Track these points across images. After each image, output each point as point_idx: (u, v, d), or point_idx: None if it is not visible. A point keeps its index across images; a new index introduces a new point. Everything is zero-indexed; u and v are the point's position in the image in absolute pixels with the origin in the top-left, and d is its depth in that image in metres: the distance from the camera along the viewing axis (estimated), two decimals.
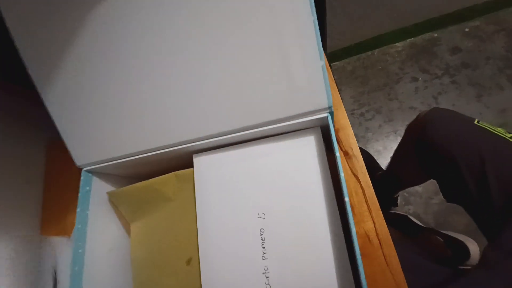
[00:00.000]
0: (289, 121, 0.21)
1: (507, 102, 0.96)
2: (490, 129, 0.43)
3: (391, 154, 0.80)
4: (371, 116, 1.07)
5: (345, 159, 0.34)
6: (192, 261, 0.23)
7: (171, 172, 0.26)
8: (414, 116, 0.54)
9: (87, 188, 0.28)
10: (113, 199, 0.29)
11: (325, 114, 0.20)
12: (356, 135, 1.07)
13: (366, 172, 0.33)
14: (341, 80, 1.15)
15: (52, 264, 0.33)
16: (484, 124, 0.44)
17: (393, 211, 0.92)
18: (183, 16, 0.21)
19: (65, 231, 0.41)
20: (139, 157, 0.26)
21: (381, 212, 0.31)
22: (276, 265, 0.21)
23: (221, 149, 0.25)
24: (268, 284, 0.20)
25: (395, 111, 1.06)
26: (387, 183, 0.80)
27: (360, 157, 0.34)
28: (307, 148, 0.22)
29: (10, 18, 0.24)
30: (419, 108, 1.03)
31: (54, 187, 0.46)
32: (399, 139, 1.00)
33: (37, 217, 0.46)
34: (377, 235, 0.31)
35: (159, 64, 0.23)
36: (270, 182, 0.22)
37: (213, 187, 0.24)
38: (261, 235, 0.22)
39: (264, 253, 0.21)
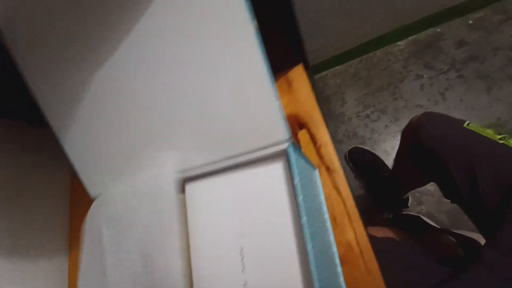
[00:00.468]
0: (256, 152, 0.25)
1: None
2: (479, 132, 0.44)
3: None
4: (376, 117, 1.07)
5: (326, 174, 0.37)
6: None
7: None
8: None
9: None
10: None
11: (285, 145, 0.24)
12: (362, 137, 1.07)
13: (347, 185, 0.36)
14: (344, 83, 1.16)
15: None
16: (473, 127, 0.45)
17: (405, 212, 0.91)
18: (167, 68, 0.25)
19: None
20: None
21: (361, 222, 0.34)
22: (253, 278, 0.24)
23: (208, 176, 0.29)
24: None
25: (401, 110, 1.05)
26: (392, 186, 0.80)
27: (341, 171, 0.36)
28: (276, 173, 0.26)
29: (24, 65, 0.30)
30: (425, 105, 1.02)
31: (80, 216, 0.52)
32: None
33: (66, 236, 0.52)
34: (358, 244, 0.33)
35: (155, 106, 0.27)
36: (246, 206, 0.26)
37: (200, 209, 0.28)
38: (241, 251, 0.25)
39: (243, 269, 0.25)
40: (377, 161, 0.97)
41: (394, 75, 1.09)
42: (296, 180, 0.23)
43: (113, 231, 0.29)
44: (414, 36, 1.09)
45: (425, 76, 1.04)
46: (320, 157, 0.37)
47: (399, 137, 1.06)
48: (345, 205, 0.35)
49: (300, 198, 0.22)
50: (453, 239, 0.74)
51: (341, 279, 0.31)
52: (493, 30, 0.99)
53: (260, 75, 0.22)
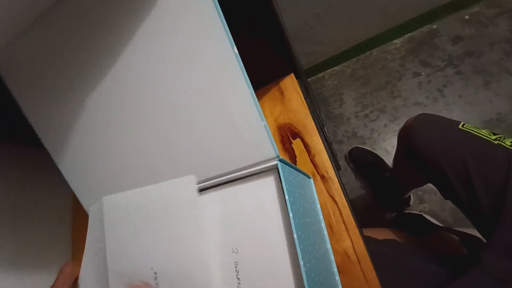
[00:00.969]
0: (245, 170, 0.25)
1: None
2: (474, 132, 0.44)
3: None
4: (375, 117, 1.07)
5: (322, 182, 0.37)
6: None
7: None
8: (420, 112, 0.53)
9: None
10: None
11: (275, 162, 0.24)
12: (362, 137, 1.07)
13: (342, 193, 0.36)
14: (341, 84, 1.16)
15: None
16: (468, 128, 0.45)
17: (407, 211, 0.91)
18: (151, 93, 0.26)
19: None
20: None
21: (357, 230, 0.34)
22: None
23: (203, 192, 0.30)
24: None
25: (400, 108, 1.05)
26: (392, 186, 0.80)
27: (336, 179, 0.37)
28: (267, 188, 0.26)
29: (19, 94, 0.31)
30: (424, 103, 1.01)
31: (82, 231, 0.53)
32: None
33: (69, 252, 0.53)
34: (355, 252, 0.33)
35: (142, 132, 0.28)
36: (239, 221, 0.26)
37: None
38: (235, 267, 0.26)
39: (239, 284, 0.25)
40: (377, 161, 0.97)
41: (391, 73, 1.09)
42: (287, 197, 0.23)
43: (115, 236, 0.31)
44: (410, 33, 1.09)
45: (422, 73, 1.04)
46: (315, 165, 0.38)
47: (397, 136, 1.07)
48: (341, 213, 0.35)
49: (291, 216, 0.23)
50: (456, 238, 0.74)
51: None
52: (489, 24, 0.99)
53: (244, 99, 0.23)
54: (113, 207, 0.31)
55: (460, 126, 0.45)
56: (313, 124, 0.40)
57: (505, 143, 0.41)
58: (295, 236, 0.22)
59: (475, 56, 0.98)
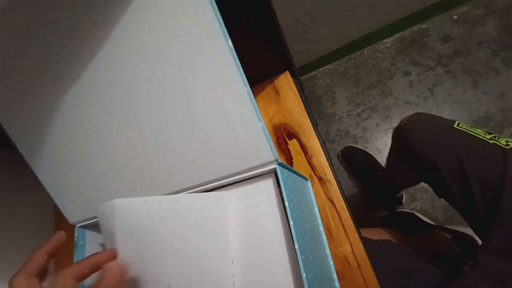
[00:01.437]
0: (243, 173, 0.23)
1: (505, 85, 0.93)
2: (470, 132, 0.43)
3: None
4: (367, 116, 1.07)
5: (319, 185, 0.36)
6: None
7: None
8: (411, 111, 0.53)
9: (81, 242, 0.31)
10: None
11: (274, 166, 0.23)
12: (354, 136, 1.07)
13: (341, 196, 0.35)
14: (333, 83, 1.16)
15: None
16: (463, 127, 0.45)
17: (399, 210, 0.92)
18: (148, 99, 0.24)
19: None
20: None
21: (357, 234, 0.33)
22: None
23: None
24: None
25: (391, 107, 1.05)
26: (385, 185, 0.80)
27: (334, 182, 0.35)
28: (265, 192, 0.24)
29: None
30: (415, 102, 1.02)
31: (64, 231, 0.50)
32: None
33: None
34: (355, 257, 0.32)
35: (136, 135, 0.26)
36: (235, 228, 0.25)
37: None
38: (232, 277, 0.24)
39: None
40: (370, 160, 0.97)
41: (382, 72, 1.09)
42: (287, 204, 0.21)
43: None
44: (400, 33, 1.10)
45: (413, 72, 1.05)
46: (312, 167, 0.36)
47: (390, 135, 1.07)
48: (340, 217, 0.34)
49: (292, 224, 0.21)
50: (448, 236, 0.75)
51: None
52: (477, 23, 1.00)
53: (241, 98, 0.21)
54: (130, 213, 0.25)
55: (455, 126, 0.45)
56: (310, 123, 0.38)
57: (500, 143, 0.41)
58: (296, 246, 0.20)
59: (463, 56, 1.00)
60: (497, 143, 0.41)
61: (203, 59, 0.21)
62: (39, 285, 0.20)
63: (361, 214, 0.98)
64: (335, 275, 0.31)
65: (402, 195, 0.90)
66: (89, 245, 0.31)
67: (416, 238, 0.70)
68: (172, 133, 0.24)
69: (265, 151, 0.22)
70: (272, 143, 0.22)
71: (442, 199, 0.51)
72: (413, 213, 0.87)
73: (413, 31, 1.08)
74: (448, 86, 0.99)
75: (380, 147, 1.03)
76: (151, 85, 0.23)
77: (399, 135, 0.51)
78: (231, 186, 0.26)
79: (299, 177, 0.32)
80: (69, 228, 0.31)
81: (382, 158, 1.00)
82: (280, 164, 0.23)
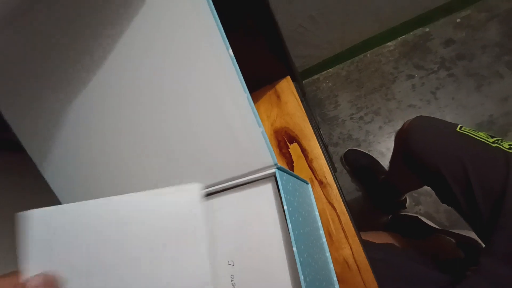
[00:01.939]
0: (243, 178, 0.24)
1: (509, 89, 0.93)
2: (472, 135, 0.43)
3: None
4: (370, 119, 1.07)
5: (320, 188, 0.36)
6: None
7: None
8: (414, 115, 0.52)
9: None
10: None
11: (273, 170, 0.23)
12: (357, 139, 1.07)
13: (341, 199, 0.35)
14: (336, 86, 1.16)
15: None
16: (466, 130, 0.45)
17: (403, 213, 0.91)
18: (144, 99, 0.25)
19: None
20: None
21: (357, 238, 0.33)
22: None
23: None
24: None
25: (394, 111, 1.05)
26: (388, 188, 0.80)
27: (334, 185, 0.36)
28: (265, 196, 0.25)
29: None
30: (418, 105, 1.02)
31: None
32: None
33: None
34: (355, 261, 0.32)
35: (138, 140, 0.26)
36: (235, 231, 0.25)
37: None
38: (231, 280, 0.24)
39: None
40: (373, 163, 0.97)
41: (385, 76, 1.09)
42: (285, 207, 0.22)
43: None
44: (403, 36, 1.10)
45: (416, 76, 1.05)
46: (313, 171, 0.37)
47: (393, 138, 1.07)
48: (340, 220, 0.34)
49: (290, 227, 0.21)
50: (452, 240, 0.74)
51: None
52: (480, 27, 1.00)
53: (242, 104, 0.21)
54: (73, 220, 0.22)
55: (457, 129, 0.45)
56: (311, 128, 0.38)
57: (503, 146, 0.41)
58: (294, 249, 0.21)
59: (467, 59, 0.99)
60: (500, 146, 0.41)
61: (204, 66, 0.21)
62: None
63: (364, 217, 0.98)
64: (335, 278, 0.31)
65: (405, 198, 0.90)
66: None
67: (419, 242, 0.69)
68: (172, 137, 0.25)
69: (264, 156, 0.22)
70: (271, 148, 0.22)
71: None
72: (417, 217, 0.86)
73: (416, 34, 1.08)
74: (451, 89, 0.99)
75: (383, 151, 1.03)
76: (152, 89, 0.24)
77: (401, 138, 0.51)
78: (231, 190, 0.26)
79: (299, 180, 0.32)
80: None
81: (385, 162, 1.00)
82: (279, 168, 0.23)
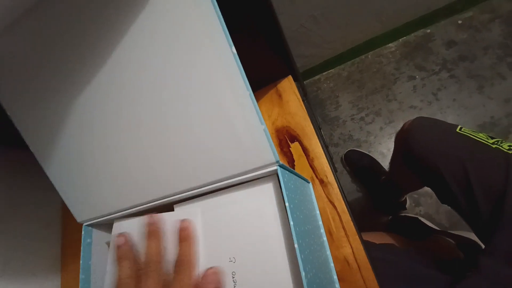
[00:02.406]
0: (245, 175, 0.24)
1: (511, 91, 0.93)
2: (472, 136, 0.44)
3: None
4: (371, 120, 1.07)
5: (321, 187, 0.36)
6: None
7: None
8: (415, 116, 0.53)
9: (88, 240, 0.32)
10: None
11: (275, 167, 0.23)
12: (358, 140, 1.07)
13: (341, 198, 0.35)
14: (337, 86, 1.16)
15: None
16: (466, 131, 0.45)
17: (403, 214, 0.91)
18: (151, 103, 0.25)
19: None
20: (131, 211, 0.30)
21: (358, 236, 0.33)
22: None
23: (195, 199, 0.28)
24: None
25: (395, 111, 1.05)
26: (388, 189, 0.80)
27: (335, 184, 0.36)
28: (266, 194, 0.25)
29: (3, 95, 0.29)
30: (419, 106, 1.02)
31: (71, 239, 0.51)
32: None
33: (58, 259, 0.51)
34: (356, 259, 0.32)
35: (140, 136, 0.27)
36: (237, 228, 0.25)
37: None
38: (233, 277, 0.25)
39: None
40: (373, 164, 0.97)
41: (386, 77, 1.09)
42: (287, 204, 0.22)
43: None
44: (404, 37, 1.10)
45: (417, 77, 1.05)
46: (314, 169, 0.37)
47: (394, 139, 1.07)
48: (340, 219, 0.34)
49: (292, 224, 0.21)
50: (452, 241, 0.74)
51: None
52: (482, 28, 1.00)
53: (243, 101, 0.21)
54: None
55: (457, 130, 0.45)
56: (312, 127, 0.39)
57: (503, 147, 0.41)
58: (296, 246, 0.21)
59: (468, 61, 0.99)
60: (500, 147, 0.41)
61: (207, 64, 0.22)
62: None
63: (365, 218, 0.98)
64: (335, 277, 0.31)
65: (406, 199, 0.90)
66: (96, 243, 0.32)
67: (420, 243, 0.69)
68: (174, 135, 0.25)
69: (266, 153, 0.23)
70: (273, 145, 0.22)
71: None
72: (417, 218, 0.86)
73: (418, 35, 1.08)
74: (453, 90, 0.99)
75: (383, 151, 1.03)
76: (154, 87, 0.24)
77: (401, 138, 0.51)
78: (233, 187, 0.26)
79: (300, 179, 0.32)
80: (77, 227, 0.32)
81: (385, 162, 1.00)
82: (281, 166, 0.24)
